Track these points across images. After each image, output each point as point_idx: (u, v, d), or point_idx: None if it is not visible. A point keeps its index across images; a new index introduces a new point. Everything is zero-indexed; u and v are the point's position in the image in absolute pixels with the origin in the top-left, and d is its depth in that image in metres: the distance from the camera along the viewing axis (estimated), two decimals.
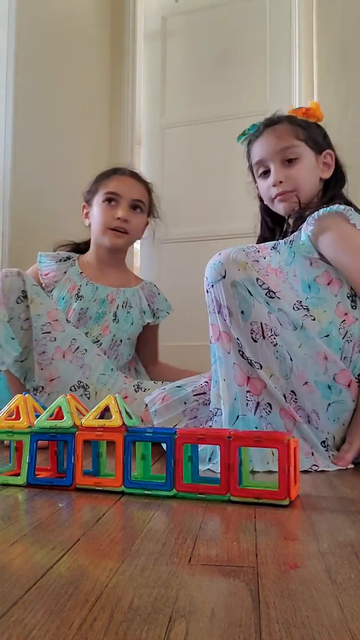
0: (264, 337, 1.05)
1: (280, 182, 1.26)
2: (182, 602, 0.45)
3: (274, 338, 1.05)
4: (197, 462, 0.86)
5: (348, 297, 1.13)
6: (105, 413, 0.90)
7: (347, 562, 0.55)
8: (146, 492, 0.82)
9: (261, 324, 1.05)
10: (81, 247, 1.70)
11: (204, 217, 2.39)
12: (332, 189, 1.29)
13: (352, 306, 1.12)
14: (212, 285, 1.09)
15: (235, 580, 0.50)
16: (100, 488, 0.84)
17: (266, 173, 1.30)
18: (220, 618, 0.42)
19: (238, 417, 1.06)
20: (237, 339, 1.06)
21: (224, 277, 1.07)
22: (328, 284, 1.13)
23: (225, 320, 1.07)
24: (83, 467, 0.87)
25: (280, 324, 1.06)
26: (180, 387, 1.22)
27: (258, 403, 1.05)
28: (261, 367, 1.05)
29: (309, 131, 1.28)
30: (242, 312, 1.05)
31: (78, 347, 1.44)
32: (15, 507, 0.79)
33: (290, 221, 1.29)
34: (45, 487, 0.87)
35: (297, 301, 1.10)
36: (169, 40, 2.56)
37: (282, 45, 2.34)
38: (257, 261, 1.10)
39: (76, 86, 2.32)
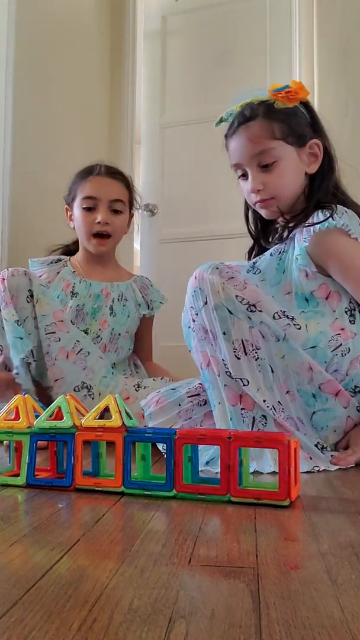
0: (245, 353, 1.05)
1: (259, 190, 1.18)
2: (182, 603, 0.45)
3: (256, 352, 1.05)
4: (197, 463, 0.86)
5: (346, 312, 1.11)
6: (105, 413, 0.90)
7: (348, 562, 0.55)
8: (146, 492, 0.82)
9: (242, 340, 1.05)
10: (71, 249, 1.71)
11: (203, 217, 2.39)
12: (319, 185, 1.19)
13: (350, 321, 1.11)
14: (197, 314, 1.10)
15: (236, 581, 0.50)
16: (100, 489, 0.84)
17: (244, 175, 1.22)
18: (220, 619, 0.42)
19: None
20: (223, 360, 1.06)
21: (206, 303, 1.08)
22: (326, 297, 1.12)
23: (212, 344, 1.08)
24: (83, 468, 0.87)
25: (263, 337, 1.06)
26: (174, 389, 1.22)
27: (254, 418, 1.05)
28: (248, 382, 1.05)
29: (289, 124, 1.15)
30: (224, 333, 1.06)
31: (81, 349, 1.45)
32: (15, 507, 0.79)
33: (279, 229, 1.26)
34: (45, 487, 0.87)
35: (280, 310, 1.08)
36: (169, 40, 2.55)
37: (282, 45, 2.34)
38: (233, 277, 1.08)
39: (76, 86, 2.32)
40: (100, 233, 1.56)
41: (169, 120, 2.52)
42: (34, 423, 0.90)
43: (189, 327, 1.13)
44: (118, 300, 1.62)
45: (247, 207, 1.34)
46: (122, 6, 2.62)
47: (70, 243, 1.72)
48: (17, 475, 0.90)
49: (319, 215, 1.12)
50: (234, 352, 1.05)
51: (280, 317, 1.07)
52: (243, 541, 0.61)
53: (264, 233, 1.32)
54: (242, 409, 1.05)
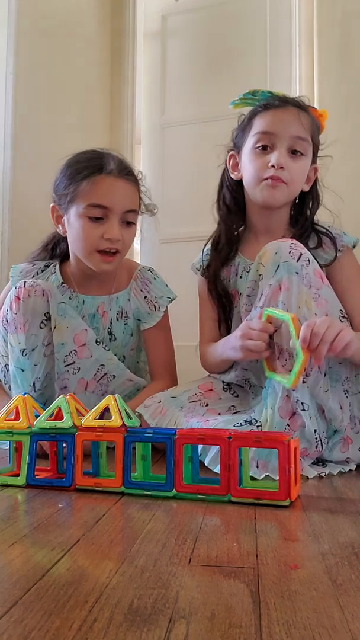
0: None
1: (282, 167, 1.17)
2: (182, 603, 0.45)
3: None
4: (197, 463, 0.86)
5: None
6: (105, 413, 0.90)
7: (348, 562, 0.55)
8: (146, 492, 0.82)
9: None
10: (55, 250, 1.39)
11: (204, 217, 2.38)
12: (314, 207, 1.27)
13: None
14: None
15: (236, 581, 0.50)
16: (100, 489, 0.84)
17: (265, 148, 1.19)
18: (220, 619, 0.42)
19: None
20: None
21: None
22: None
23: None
24: (83, 468, 0.87)
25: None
26: (175, 397, 1.20)
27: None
28: (307, 408, 1.02)
29: (316, 137, 1.24)
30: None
31: (105, 374, 1.27)
32: (15, 507, 0.79)
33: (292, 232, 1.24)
34: (45, 487, 0.87)
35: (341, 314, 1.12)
36: (169, 40, 2.55)
37: (282, 45, 2.34)
38: (311, 286, 1.05)
39: (76, 86, 2.32)
40: (108, 250, 1.25)
41: (169, 120, 2.52)
42: (34, 423, 0.90)
43: None
44: (117, 319, 1.35)
45: (223, 186, 1.34)
46: (122, 6, 2.62)
47: (50, 242, 1.40)
48: (17, 475, 0.90)
49: (342, 235, 1.22)
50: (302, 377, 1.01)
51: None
52: (243, 541, 0.61)
53: (234, 220, 1.32)
54: (287, 424, 1.03)
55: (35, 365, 1.22)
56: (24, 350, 1.20)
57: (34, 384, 1.23)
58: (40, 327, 1.21)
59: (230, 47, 2.42)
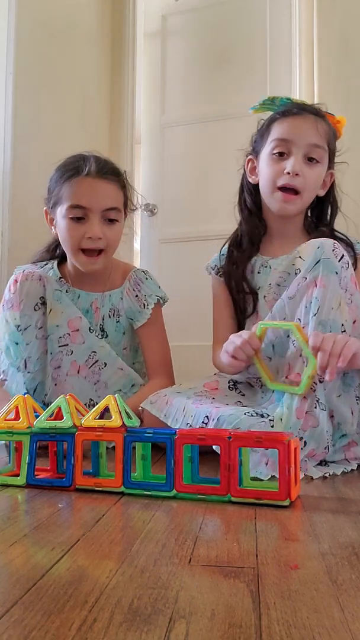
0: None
1: (297, 174, 1.19)
2: (182, 603, 0.45)
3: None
4: (197, 463, 0.86)
5: None
6: (105, 413, 0.90)
7: (348, 562, 0.55)
8: (146, 492, 0.82)
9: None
10: (56, 251, 1.45)
11: (204, 217, 2.39)
12: (333, 211, 1.30)
13: None
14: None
15: (236, 581, 0.50)
16: (100, 489, 0.84)
17: (282, 155, 1.22)
18: (220, 619, 0.42)
19: None
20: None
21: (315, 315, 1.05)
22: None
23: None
24: (83, 468, 0.87)
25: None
26: (180, 392, 1.20)
27: (301, 438, 1.01)
28: (325, 408, 1.02)
29: (333, 143, 1.26)
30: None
31: (97, 361, 1.32)
32: (15, 507, 0.79)
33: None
34: (45, 487, 0.87)
35: None
36: (169, 40, 2.55)
37: (282, 45, 2.34)
38: (346, 290, 1.05)
39: (76, 86, 2.32)
40: (92, 249, 1.31)
41: (169, 120, 2.52)
42: (34, 423, 0.90)
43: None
44: (109, 316, 1.40)
45: (243, 189, 1.34)
46: (122, 6, 2.62)
47: (51, 244, 1.45)
48: (17, 475, 0.90)
49: (355, 243, 1.25)
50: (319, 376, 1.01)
51: None
52: (243, 541, 0.61)
53: (256, 222, 1.31)
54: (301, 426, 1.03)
55: (27, 344, 1.28)
56: (18, 326, 1.28)
57: (25, 363, 1.28)
58: (35, 310, 1.29)
59: (230, 47, 2.42)
